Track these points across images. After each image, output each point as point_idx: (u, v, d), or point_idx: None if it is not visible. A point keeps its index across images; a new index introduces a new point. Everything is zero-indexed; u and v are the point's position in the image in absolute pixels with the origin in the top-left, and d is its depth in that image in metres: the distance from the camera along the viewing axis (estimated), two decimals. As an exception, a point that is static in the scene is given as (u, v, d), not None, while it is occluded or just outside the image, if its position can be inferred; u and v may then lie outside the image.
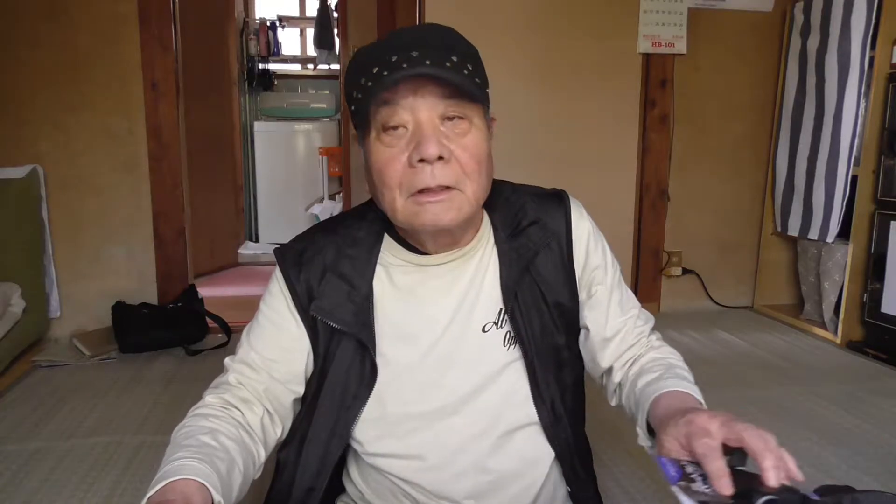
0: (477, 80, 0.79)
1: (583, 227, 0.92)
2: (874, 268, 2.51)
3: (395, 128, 0.77)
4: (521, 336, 0.87)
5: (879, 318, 2.49)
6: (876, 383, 2.21)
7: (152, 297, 2.74)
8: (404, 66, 0.74)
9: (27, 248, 2.52)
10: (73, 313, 2.71)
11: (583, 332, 0.95)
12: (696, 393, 0.81)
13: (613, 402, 0.94)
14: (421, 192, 0.77)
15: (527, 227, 0.89)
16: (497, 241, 0.89)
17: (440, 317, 0.87)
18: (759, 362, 2.42)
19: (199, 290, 2.83)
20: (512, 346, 0.88)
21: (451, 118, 0.78)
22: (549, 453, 0.91)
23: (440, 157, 0.76)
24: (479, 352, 0.87)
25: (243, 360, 0.87)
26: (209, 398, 0.84)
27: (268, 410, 0.86)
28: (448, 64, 0.75)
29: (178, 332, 2.56)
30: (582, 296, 0.92)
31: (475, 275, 0.88)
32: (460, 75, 0.76)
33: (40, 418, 1.91)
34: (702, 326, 2.85)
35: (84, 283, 2.70)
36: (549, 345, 0.89)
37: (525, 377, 0.88)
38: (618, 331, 0.92)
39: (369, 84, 0.76)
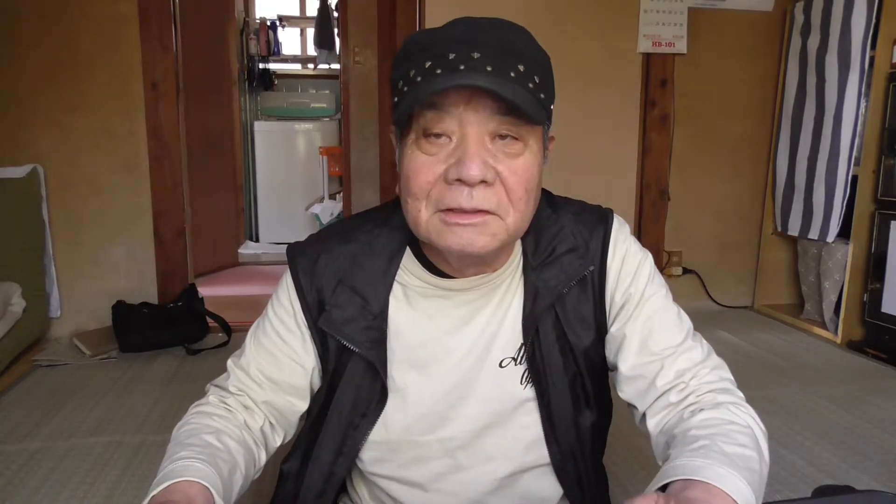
0: (542, 95, 0.69)
1: (618, 255, 0.81)
2: (874, 268, 2.51)
3: (439, 135, 0.68)
4: (539, 376, 0.80)
5: (879, 317, 2.49)
6: (876, 383, 2.21)
7: (152, 297, 2.75)
8: (461, 67, 0.64)
9: (27, 248, 2.52)
10: (74, 313, 2.71)
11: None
12: (723, 481, 0.59)
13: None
14: (451, 210, 0.68)
15: (562, 255, 0.80)
16: (525, 271, 0.80)
17: (457, 347, 0.80)
18: (759, 362, 2.42)
19: (199, 289, 2.83)
20: (528, 385, 0.81)
21: (503, 137, 0.68)
22: (556, 492, 0.86)
23: (483, 181, 0.67)
24: (494, 388, 0.81)
25: (245, 369, 0.83)
26: (212, 398, 0.82)
27: (268, 420, 0.83)
28: (512, 73, 0.65)
29: (178, 332, 2.56)
30: (612, 329, 0.82)
31: (499, 306, 0.81)
32: (524, 90, 0.66)
33: (40, 418, 1.91)
34: (702, 326, 2.81)
35: (84, 282, 2.70)
36: (569, 386, 0.81)
37: (539, 419, 0.81)
38: (639, 373, 0.78)
39: (418, 79, 0.66)
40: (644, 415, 0.78)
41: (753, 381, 2.21)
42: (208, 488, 0.65)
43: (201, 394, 0.85)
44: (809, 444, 1.77)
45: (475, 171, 0.66)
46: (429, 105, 0.67)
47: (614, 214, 0.85)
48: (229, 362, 0.85)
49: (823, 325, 2.77)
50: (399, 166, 0.73)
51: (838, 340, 2.62)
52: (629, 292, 0.81)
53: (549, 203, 0.84)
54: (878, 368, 2.37)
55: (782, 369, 2.35)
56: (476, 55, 0.65)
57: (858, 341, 2.58)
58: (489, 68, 0.65)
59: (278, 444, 0.86)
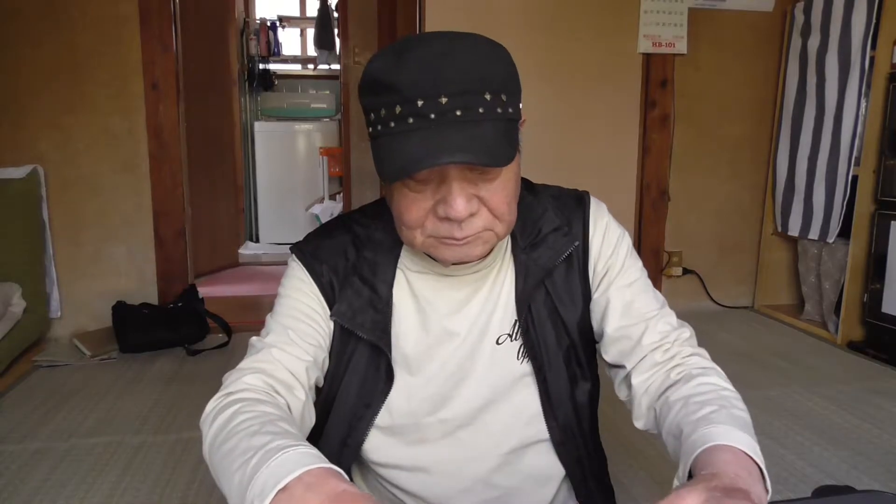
0: (510, 109, 0.70)
1: (599, 230, 0.87)
2: (874, 268, 2.51)
3: (423, 180, 0.71)
4: (534, 350, 0.84)
5: (880, 318, 2.49)
6: (876, 383, 2.21)
7: (153, 297, 2.75)
8: (431, 116, 0.66)
9: (28, 249, 2.52)
10: (74, 313, 2.71)
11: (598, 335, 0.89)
12: (744, 443, 0.63)
13: (639, 425, 0.82)
14: (445, 237, 0.73)
15: (548, 235, 0.85)
16: (514, 252, 0.85)
17: (457, 329, 0.84)
18: (759, 362, 2.42)
19: (199, 290, 2.83)
20: (525, 360, 0.85)
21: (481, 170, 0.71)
22: (559, 471, 0.88)
23: (469, 214, 0.71)
24: (492, 364, 0.84)
25: (279, 340, 0.79)
26: (250, 379, 0.74)
27: (308, 396, 0.78)
28: (481, 109, 0.68)
29: (178, 332, 2.56)
30: (595, 295, 0.87)
31: (494, 286, 0.85)
32: (493, 125, 0.68)
33: (40, 418, 1.91)
34: (702, 326, 2.84)
35: (84, 282, 2.70)
36: (563, 359, 0.86)
37: (536, 392, 0.85)
38: (624, 334, 0.83)
39: (391, 125, 0.68)
40: (629, 374, 0.82)
41: (753, 381, 2.21)
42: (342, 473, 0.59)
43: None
44: (809, 444, 1.77)
45: (461, 211, 0.70)
46: None
47: (590, 195, 0.90)
48: (253, 339, 0.81)
49: (823, 326, 2.77)
50: (387, 194, 0.77)
51: (838, 341, 2.62)
52: (611, 262, 0.86)
53: (529, 190, 0.88)
54: (878, 368, 2.37)
55: (782, 369, 2.35)
56: (443, 100, 0.66)
57: (858, 341, 2.58)
58: (458, 112, 0.67)
59: (310, 427, 0.81)
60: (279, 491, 0.53)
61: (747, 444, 0.63)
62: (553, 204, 0.88)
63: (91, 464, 1.65)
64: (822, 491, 0.79)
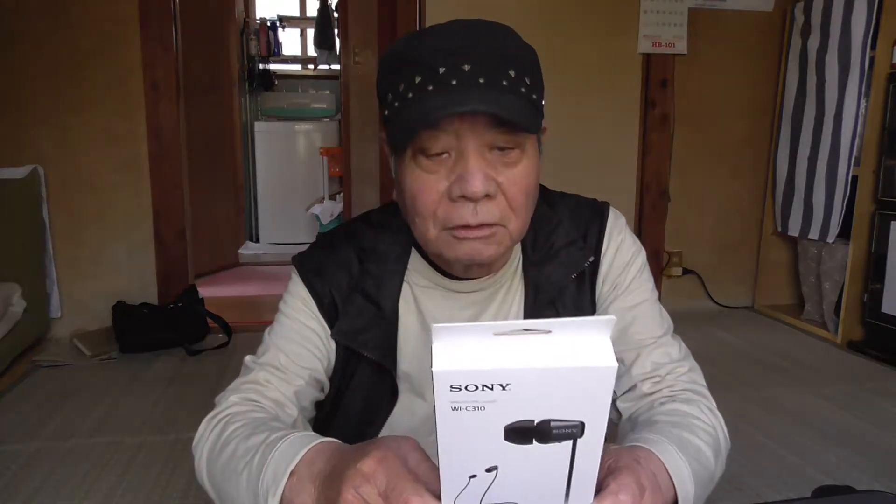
0: (534, 95, 0.68)
1: (612, 247, 0.83)
2: (874, 268, 2.51)
3: (439, 154, 0.67)
4: None
5: (880, 318, 2.49)
6: (876, 383, 2.21)
7: (153, 297, 2.74)
8: (453, 82, 0.63)
9: (28, 248, 2.52)
10: (74, 313, 2.71)
11: None
12: (668, 456, 0.60)
13: None
14: (458, 226, 0.68)
15: (560, 249, 0.80)
16: (524, 267, 0.81)
17: None
18: (759, 362, 2.42)
19: (199, 290, 2.83)
20: None
21: (500, 148, 0.67)
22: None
23: (486, 195, 0.66)
24: None
25: (270, 362, 0.78)
26: (239, 398, 0.73)
27: (301, 416, 0.77)
28: (505, 82, 0.65)
29: (178, 332, 2.56)
30: (597, 314, 0.83)
31: (502, 306, 0.81)
32: (517, 97, 0.66)
33: (40, 418, 1.91)
34: (702, 326, 2.85)
35: (84, 283, 2.70)
36: None
37: None
38: (617, 359, 0.81)
39: (409, 96, 0.65)
40: (617, 399, 0.80)
41: (753, 381, 2.21)
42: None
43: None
44: (809, 444, 1.77)
45: (478, 187, 0.65)
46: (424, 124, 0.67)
47: (610, 207, 0.86)
48: (247, 360, 0.81)
49: (824, 326, 2.77)
50: (397, 181, 0.73)
51: (838, 340, 2.62)
52: (618, 280, 0.82)
53: (544, 199, 0.84)
54: (878, 368, 2.37)
55: (782, 369, 2.35)
56: (466, 67, 0.64)
57: (858, 341, 2.58)
58: (481, 80, 0.64)
59: None
60: (290, 474, 0.57)
61: (672, 460, 0.59)
62: (569, 215, 0.83)
63: (91, 464, 1.65)
64: (822, 491, 0.79)
